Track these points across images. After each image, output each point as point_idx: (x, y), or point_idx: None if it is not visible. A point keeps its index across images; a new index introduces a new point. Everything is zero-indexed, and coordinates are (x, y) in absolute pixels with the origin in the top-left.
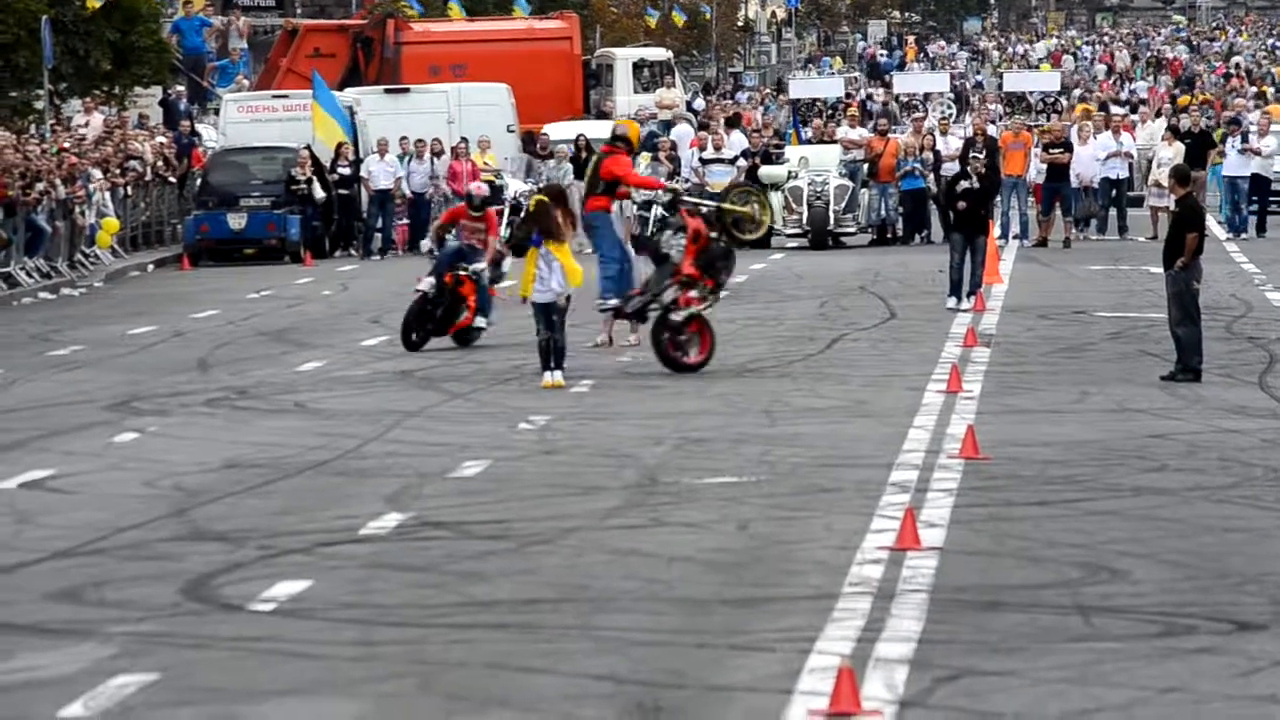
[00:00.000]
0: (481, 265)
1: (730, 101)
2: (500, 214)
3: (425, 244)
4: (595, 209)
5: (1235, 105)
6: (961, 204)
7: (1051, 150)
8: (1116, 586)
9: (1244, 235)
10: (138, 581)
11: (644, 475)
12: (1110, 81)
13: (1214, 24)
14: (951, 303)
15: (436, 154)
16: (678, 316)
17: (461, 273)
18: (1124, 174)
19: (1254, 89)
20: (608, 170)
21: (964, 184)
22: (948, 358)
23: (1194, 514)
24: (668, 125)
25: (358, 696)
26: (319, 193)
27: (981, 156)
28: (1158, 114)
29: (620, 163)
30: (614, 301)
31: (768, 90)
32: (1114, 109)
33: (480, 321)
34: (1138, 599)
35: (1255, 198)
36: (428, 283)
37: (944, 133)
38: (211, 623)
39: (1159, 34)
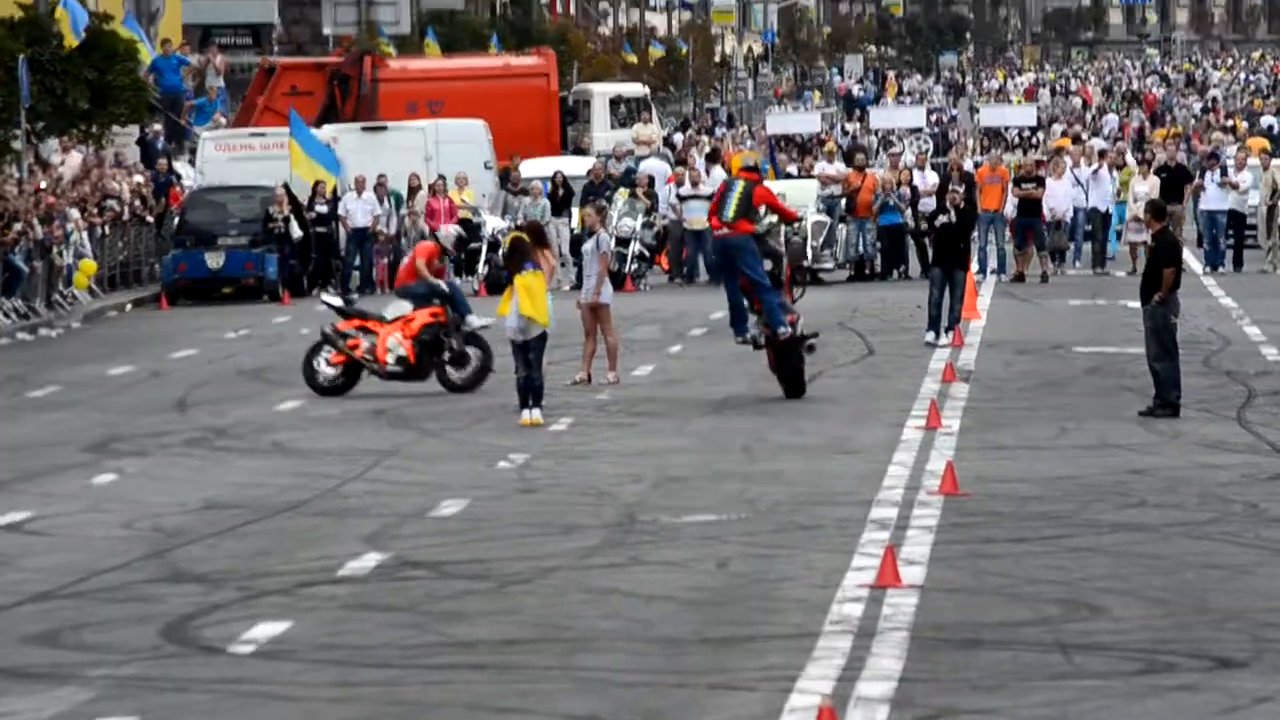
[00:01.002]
0: (453, 228)
1: (709, 137)
2: (477, 251)
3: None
4: (742, 232)
5: (1213, 139)
6: (929, 227)
7: (1024, 185)
8: (1097, 623)
9: (1221, 270)
10: (117, 624)
11: (623, 514)
12: (1088, 116)
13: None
14: (930, 337)
15: (413, 190)
16: (804, 333)
17: (436, 304)
18: (1111, 207)
19: (1230, 123)
20: (761, 198)
21: (942, 219)
22: (926, 394)
23: (1174, 550)
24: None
25: None
26: (296, 231)
27: (960, 190)
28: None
29: (770, 190)
30: (754, 332)
31: (744, 128)
32: (1094, 142)
33: (474, 320)
34: (1118, 636)
35: (1231, 232)
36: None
37: (921, 167)
38: (192, 665)
39: (1133, 67)
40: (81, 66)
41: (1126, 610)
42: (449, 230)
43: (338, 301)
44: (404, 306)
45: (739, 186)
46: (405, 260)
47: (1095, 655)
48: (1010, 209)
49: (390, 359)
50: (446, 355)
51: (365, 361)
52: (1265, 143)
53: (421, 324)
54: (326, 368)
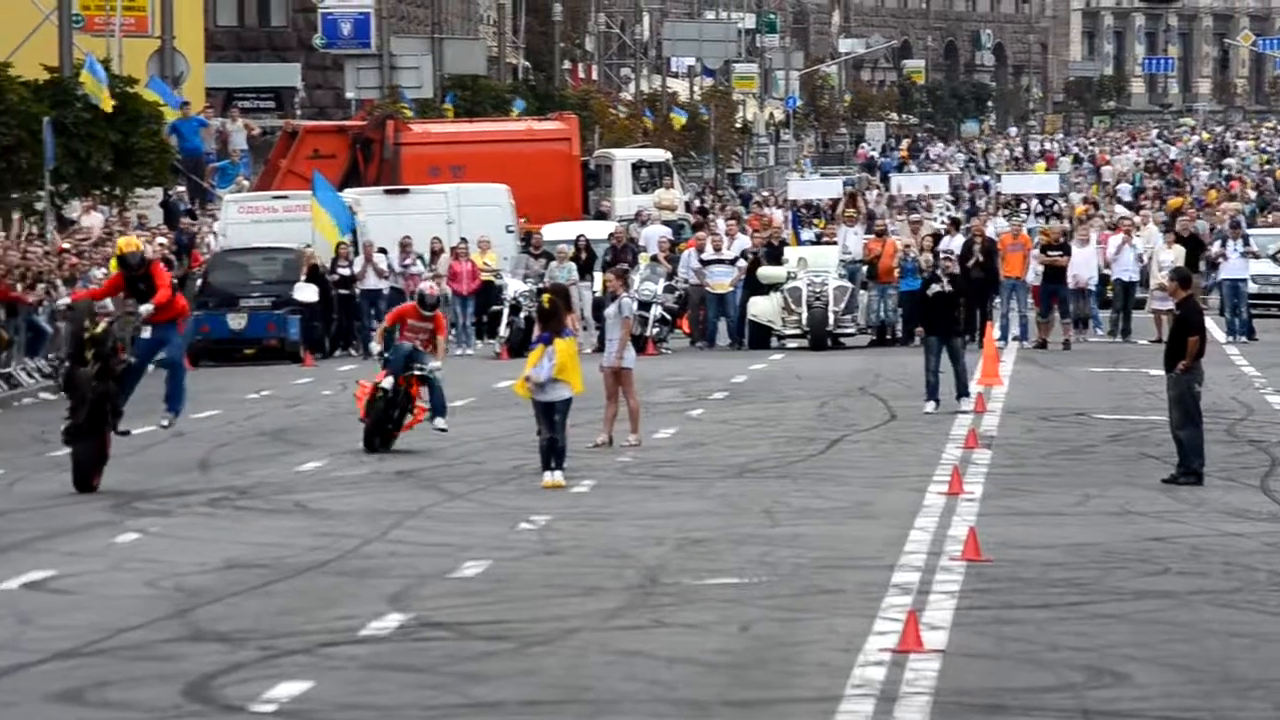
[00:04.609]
0: (437, 364)
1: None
2: (499, 314)
3: (374, 346)
4: None
5: (1232, 209)
6: (922, 295)
7: (1049, 252)
8: (1120, 690)
9: (1241, 338)
10: (140, 682)
11: (645, 576)
12: (1111, 184)
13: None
14: (929, 407)
15: (436, 253)
16: None
17: (416, 373)
18: (1135, 276)
19: (1254, 193)
20: None
21: (935, 287)
22: (949, 459)
23: (1197, 618)
24: (669, 225)
25: None
26: (310, 295)
27: (953, 256)
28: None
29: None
30: None
31: (767, 193)
32: (1119, 210)
33: (440, 423)
34: (1142, 703)
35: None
36: (388, 382)
37: (947, 234)
38: None
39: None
40: (105, 129)
41: (1150, 677)
42: (432, 286)
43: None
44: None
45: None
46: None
47: None
48: (1033, 275)
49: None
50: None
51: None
52: None
53: (372, 386)
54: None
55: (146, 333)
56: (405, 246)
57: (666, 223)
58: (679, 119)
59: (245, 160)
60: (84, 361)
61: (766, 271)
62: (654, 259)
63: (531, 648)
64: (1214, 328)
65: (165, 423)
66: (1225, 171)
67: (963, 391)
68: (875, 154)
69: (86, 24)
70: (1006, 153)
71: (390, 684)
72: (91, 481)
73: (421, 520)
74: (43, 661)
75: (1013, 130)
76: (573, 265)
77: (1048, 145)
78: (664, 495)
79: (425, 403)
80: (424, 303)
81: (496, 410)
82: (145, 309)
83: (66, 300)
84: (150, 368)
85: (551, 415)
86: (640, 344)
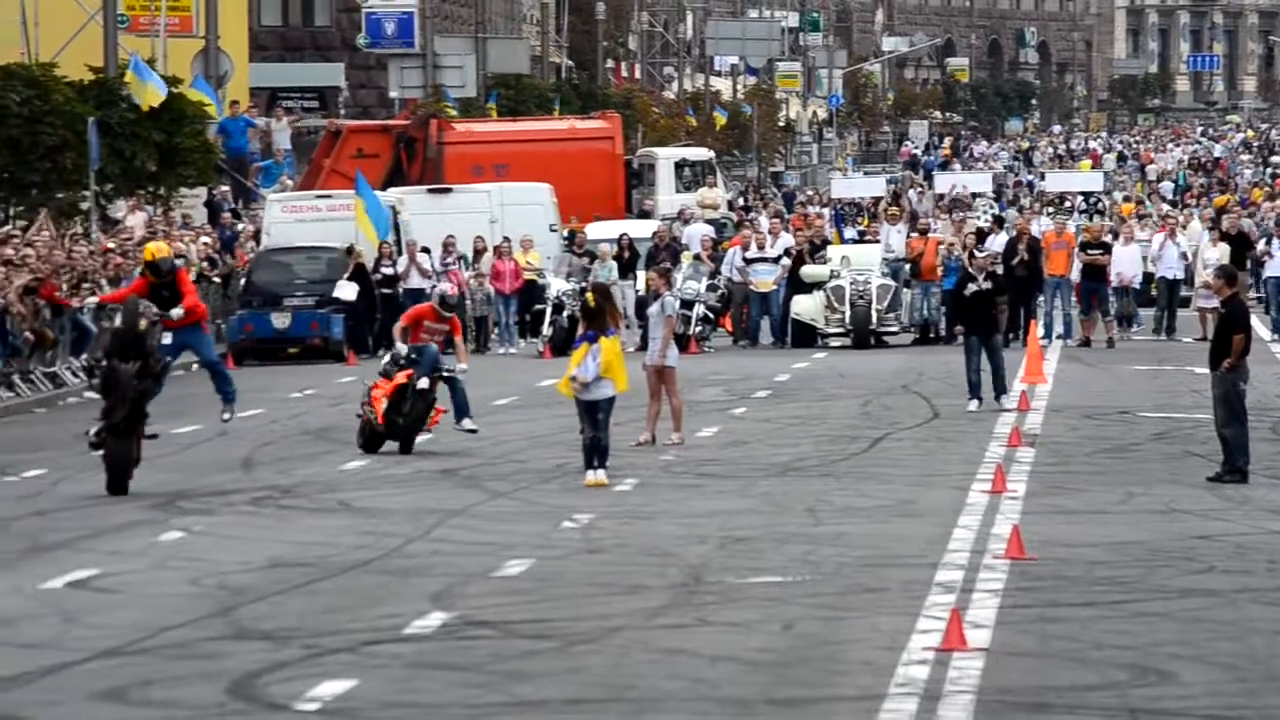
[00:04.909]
0: (463, 366)
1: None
2: (541, 313)
3: (401, 348)
4: None
5: (1277, 207)
6: (958, 294)
7: (1090, 250)
8: (1165, 689)
9: None
10: (183, 681)
11: (688, 574)
12: (1156, 182)
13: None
14: (973, 406)
15: (479, 252)
16: None
17: (444, 374)
18: (1181, 274)
19: None
20: None
21: (972, 286)
22: (992, 458)
23: (1242, 616)
24: (712, 224)
25: None
26: (347, 294)
27: (996, 256)
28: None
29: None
30: None
31: (811, 192)
32: (1164, 207)
33: (468, 424)
34: (1187, 701)
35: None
36: (424, 382)
37: (990, 232)
38: None
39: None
40: (150, 129)
41: (1195, 676)
42: (452, 287)
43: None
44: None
45: None
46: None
47: None
48: (1076, 274)
49: (372, 416)
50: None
51: (370, 418)
52: None
53: (394, 385)
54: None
55: (167, 338)
56: (448, 246)
57: (709, 221)
58: (721, 118)
59: (289, 160)
60: (126, 359)
61: (810, 270)
62: (696, 257)
63: (575, 646)
64: (1259, 325)
65: (226, 416)
66: (1271, 169)
67: (1001, 390)
68: (918, 152)
69: (131, 24)
70: (1050, 150)
71: (434, 682)
72: (125, 484)
73: (465, 519)
74: (87, 660)
75: (1055, 128)
76: (614, 264)
77: (1092, 143)
78: (707, 494)
79: (442, 404)
80: (445, 304)
81: (539, 409)
82: (176, 313)
83: (94, 301)
84: (180, 370)
85: (595, 414)
86: (683, 342)
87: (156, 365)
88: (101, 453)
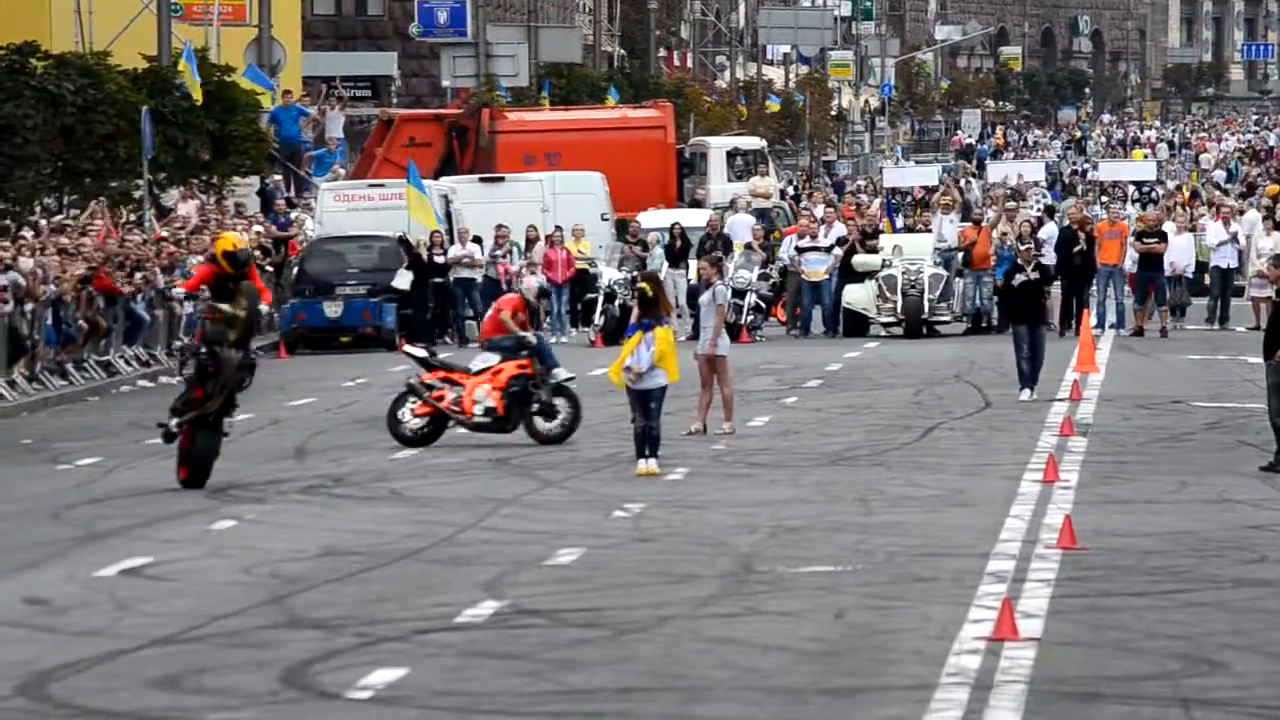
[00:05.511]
0: (535, 280)
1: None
2: (593, 302)
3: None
4: None
5: None
6: (1006, 285)
7: (1146, 240)
8: (1218, 679)
9: None
10: (236, 669)
11: (739, 563)
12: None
13: None
14: (1024, 395)
15: (531, 241)
16: None
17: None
18: (1234, 263)
19: None
20: None
21: (1019, 277)
22: (1044, 447)
23: None
24: (761, 214)
25: None
26: (403, 283)
27: (1033, 248)
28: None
29: None
30: None
31: (863, 181)
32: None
33: (561, 373)
34: (1240, 691)
35: None
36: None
37: (1042, 222)
38: (309, 710)
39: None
40: (203, 118)
41: (1248, 666)
42: (531, 282)
43: (421, 353)
44: (490, 358)
45: None
46: (489, 313)
47: (1216, 711)
48: (1130, 263)
49: (478, 410)
50: (535, 407)
51: (451, 412)
52: None
53: (509, 376)
54: (412, 418)
55: None
56: (501, 235)
57: (758, 210)
58: (774, 106)
59: (342, 148)
60: (233, 347)
61: (862, 259)
62: (748, 246)
63: (625, 635)
64: None
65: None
66: None
67: (1033, 382)
68: (971, 140)
69: (185, 13)
70: (1104, 139)
71: (485, 671)
72: (205, 478)
73: (516, 508)
74: (141, 648)
75: (1106, 117)
76: (660, 252)
77: (1145, 132)
78: (758, 483)
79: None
80: (525, 297)
81: (592, 398)
82: (263, 309)
83: (180, 291)
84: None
85: (647, 403)
86: (735, 332)
87: (254, 355)
88: (176, 443)
